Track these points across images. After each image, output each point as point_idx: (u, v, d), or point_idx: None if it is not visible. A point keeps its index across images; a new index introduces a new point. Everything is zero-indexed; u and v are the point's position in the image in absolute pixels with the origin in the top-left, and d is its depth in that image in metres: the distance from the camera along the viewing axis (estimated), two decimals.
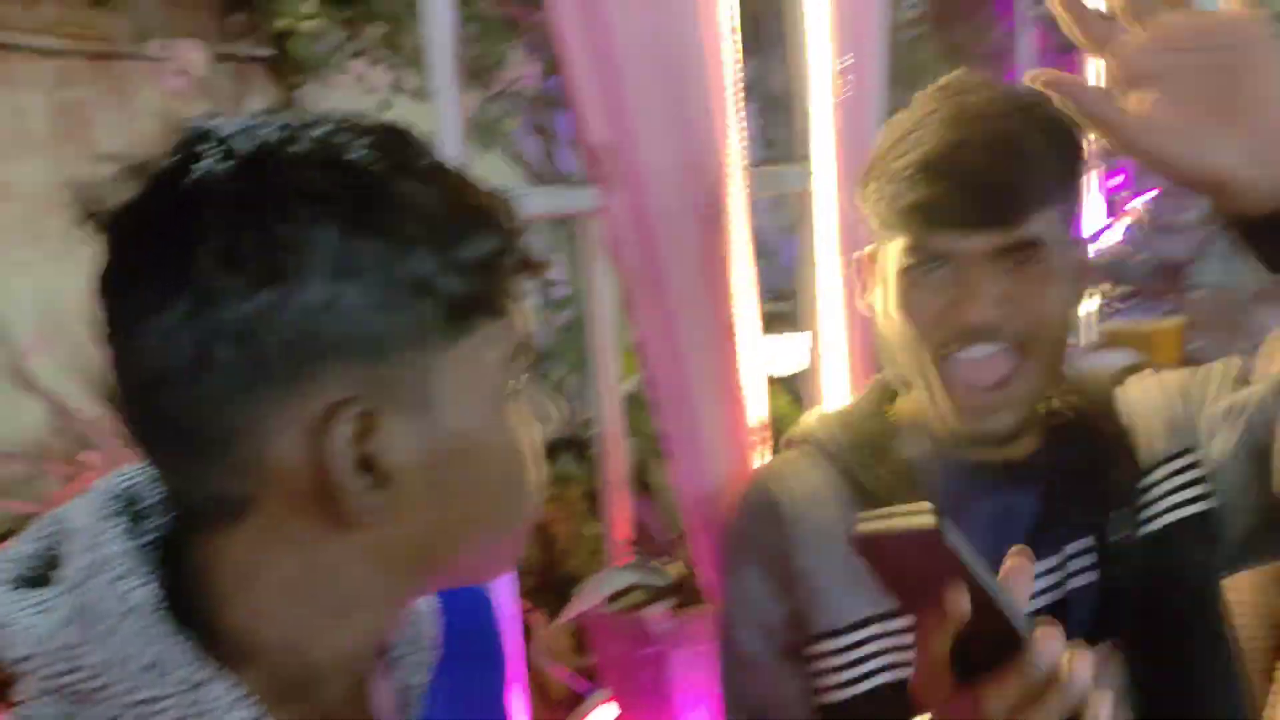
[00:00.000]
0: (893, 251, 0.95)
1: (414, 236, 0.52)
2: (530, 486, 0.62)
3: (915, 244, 0.93)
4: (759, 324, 1.32)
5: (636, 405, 3.42)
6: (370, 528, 0.55)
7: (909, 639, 0.92)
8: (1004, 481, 0.99)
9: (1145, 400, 1.02)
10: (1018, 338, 0.92)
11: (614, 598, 1.64)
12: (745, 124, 1.28)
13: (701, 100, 1.15)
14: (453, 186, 0.55)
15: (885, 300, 0.97)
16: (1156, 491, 0.98)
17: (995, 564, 0.93)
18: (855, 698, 0.95)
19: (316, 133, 0.53)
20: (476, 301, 0.55)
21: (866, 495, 0.97)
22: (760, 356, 1.31)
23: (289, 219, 0.50)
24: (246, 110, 0.56)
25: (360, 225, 0.51)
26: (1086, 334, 4.03)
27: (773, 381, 3.65)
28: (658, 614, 1.58)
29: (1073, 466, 0.99)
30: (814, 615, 0.97)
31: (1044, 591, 0.96)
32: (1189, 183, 0.68)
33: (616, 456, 1.76)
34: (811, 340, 1.72)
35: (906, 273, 0.94)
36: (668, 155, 1.13)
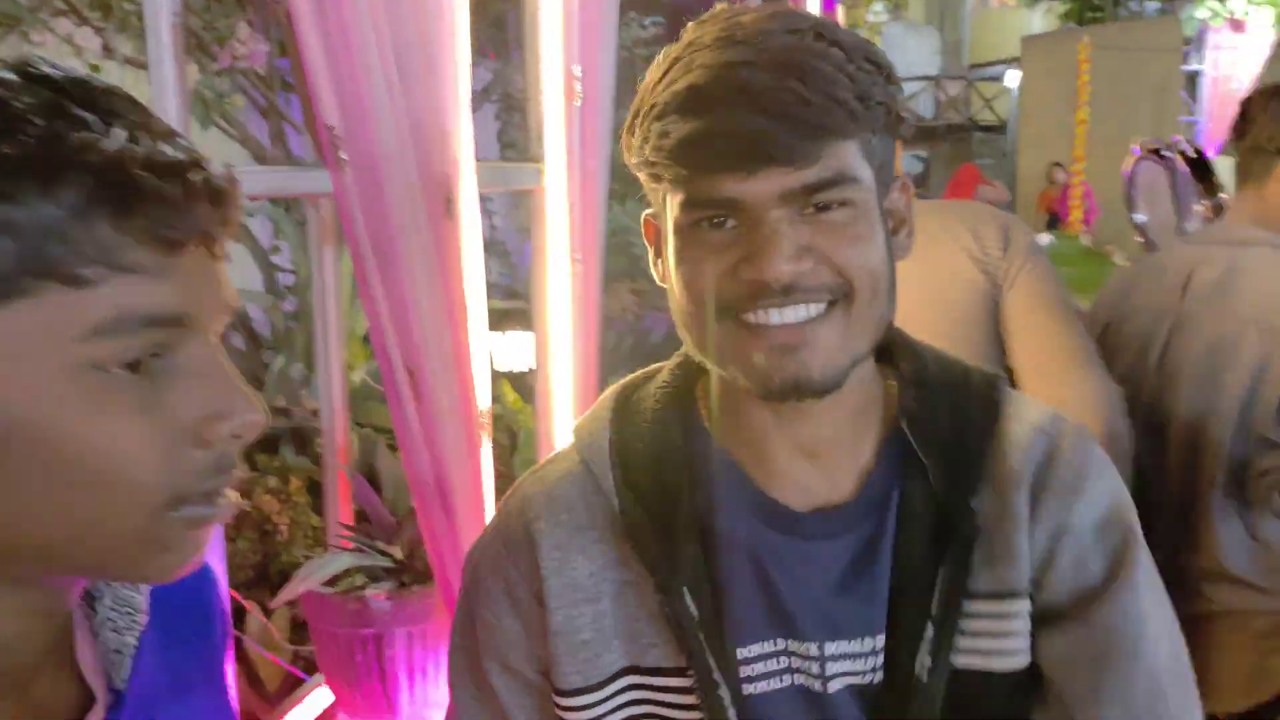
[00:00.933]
0: (670, 207, 0.78)
1: None
2: (140, 485, 0.54)
3: (691, 194, 0.75)
4: (486, 317, 1.37)
5: (363, 396, 3.39)
6: None
7: (667, 697, 0.83)
8: (813, 525, 0.82)
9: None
10: (823, 295, 0.76)
11: (333, 580, 1.64)
12: (489, 123, 1.32)
13: (433, 90, 1.18)
14: (34, 138, 0.49)
15: (669, 266, 0.80)
16: (1008, 609, 0.80)
17: (789, 627, 0.79)
18: None
19: None
20: (27, 266, 0.50)
21: (644, 552, 0.81)
22: (486, 345, 1.36)
23: None
24: None
25: None
26: None
27: (504, 377, 3.69)
28: (378, 595, 1.60)
29: (906, 526, 0.81)
30: (565, 670, 0.83)
31: (851, 674, 0.81)
32: None
33: (341, 439, 1.76)
34: (539, 339, 1.78)
35: (685, 231, 0.77)
36: (399, 142, 1.15)
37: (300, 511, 2.82)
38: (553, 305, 1.76)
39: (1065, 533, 0.81)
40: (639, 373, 0.91)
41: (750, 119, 0.72)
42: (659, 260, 0.84)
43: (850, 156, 0.75)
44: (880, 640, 0.81)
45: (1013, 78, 13.95)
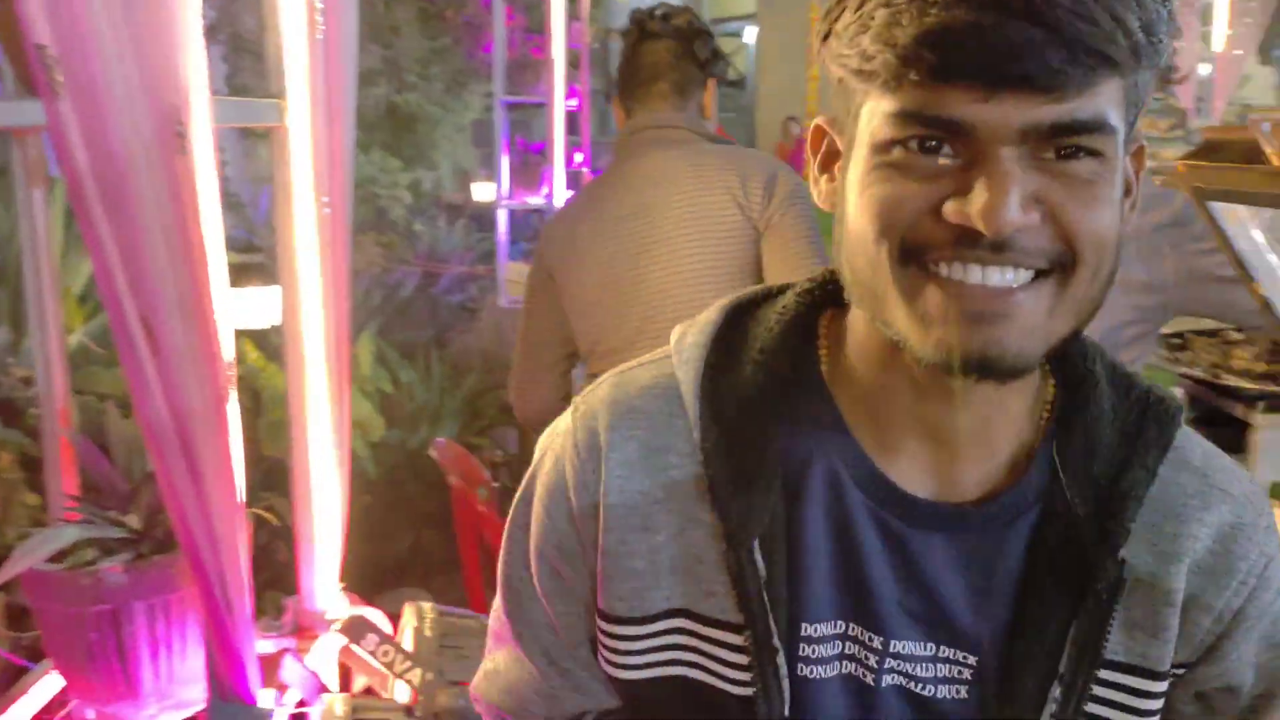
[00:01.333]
0: (869, 116, 0.64)
1: None
2: None
3: (909, 104, 0.61)
4: (226, 263, 1.28)
5: (83, 360, 3.11)
6: None
7: (719, 651, 0.75)
8: (924, 512, 0.72)
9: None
10: (1038, 260, 0.62)
11: (60, 557, 1.50)
12: (217, 65, 1.22)
13: (157, 14, 1.08)
14: None
15: (847, 188, 0.67)
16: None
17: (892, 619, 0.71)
18: (639, 680, 0.78)
19: None
20: None
21: (718, 495, 0.73)
22: (227, 293, 1.27)
23: None
24: None
25: None
26: None
27: (245, 335, 3.49)
28: (113, 568, 1.47)
29: (1037, 560, 0.71)
30: (611, 595, 0.76)
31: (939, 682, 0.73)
32: None
33: (61, 403, 1.60)
34: (287, 288, 1.68)
35: (885, 147, 0.63)
36: (123, 66, 1.05)
37: (12, 489, 2.59)
38: (300, 253, 1.66)
39: (1239, 627, 0.74)
40: (760, 287, 0.81)
41: (1016, 24, 0.57)
42: (823, 177, 0.71)
43: (1114, 99, 0.62)
44: (957, 654, 0.73)
45: (751, 34, 14.43)
